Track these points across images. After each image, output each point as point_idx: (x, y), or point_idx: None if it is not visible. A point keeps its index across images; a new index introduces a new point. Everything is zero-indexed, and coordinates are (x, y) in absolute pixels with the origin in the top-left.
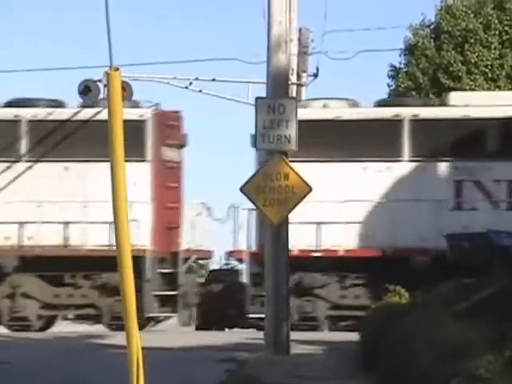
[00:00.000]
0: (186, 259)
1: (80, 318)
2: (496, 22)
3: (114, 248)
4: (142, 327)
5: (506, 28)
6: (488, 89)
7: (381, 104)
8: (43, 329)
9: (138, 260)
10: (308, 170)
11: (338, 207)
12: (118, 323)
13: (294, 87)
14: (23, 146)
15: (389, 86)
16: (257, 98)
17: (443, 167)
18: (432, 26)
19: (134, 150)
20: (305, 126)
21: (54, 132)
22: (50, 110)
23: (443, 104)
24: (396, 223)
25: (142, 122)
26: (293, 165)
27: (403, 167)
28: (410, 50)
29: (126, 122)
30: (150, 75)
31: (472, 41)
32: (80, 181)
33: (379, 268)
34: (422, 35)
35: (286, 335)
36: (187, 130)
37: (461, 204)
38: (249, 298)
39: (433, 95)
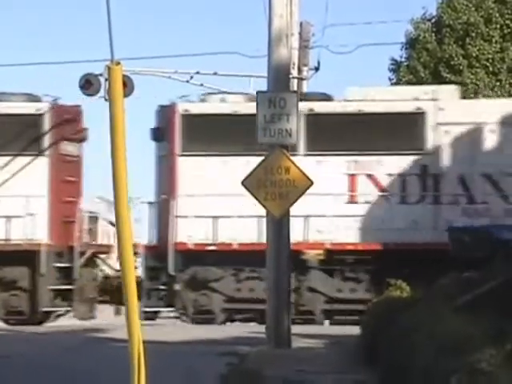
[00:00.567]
0: (83, 253)
1: None
2: (497, 15)
3: (11, 243)
4: (39, 322)
5: (507, 22)
6: (489, 82)
7: None
8: None
9: (33, 254)
10: (205, 164)
11: (235, 201)
12: (13, 318)
13: (295, 81)
14: None
15: (390, 79)
16: (258, 92)
17: (338, 161)
18: (433, 20)
19: (31, 144)
20: (205, 120)
21: None
22: None
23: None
24: (291, 217)
25: (39, 116)
26: (188, 159)
27: (299, 161)
28: (411, 43)
29: (22, 116)
30: (151, 69)
31: (473, 34)
32: None
33: None
34: (423, 29)
35: (288, 329)
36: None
37: (355, 197)
38: (144, 292)
39: None
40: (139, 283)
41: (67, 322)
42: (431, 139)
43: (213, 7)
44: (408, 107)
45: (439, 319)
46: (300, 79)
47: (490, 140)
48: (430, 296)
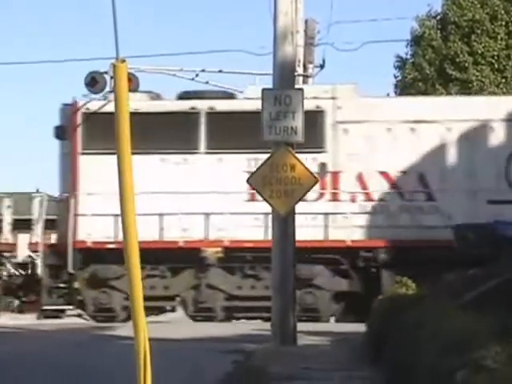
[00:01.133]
0: None
1: None
2: (503, 12)
3: None
4: None
5: None
6: (495, 79)
7: (182, 97)
8: None
9: None
10: (106, 162)
11: (137, 199)
12: None
13: (301, 78)
14: None
15: (395, 76)
16: (263, 90)
17: (238, 159)
18: (438, 17)
19: None
20: (105, 118)
21: None
22: None
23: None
24: (191, 215)
25: None
26: (89, 157)
27: (200, 159)
28: (416, 40)
29: None
30: (157, 67)
31: (478, 31)
32: None
33: (171, 259)
34: (428, 26)
35: (293, 326)
36: None
37: (255, 195)
38: (45, 290)
39: (439, 86)
40: (38, 281)
41: (70, 319)
42: (330, 137)
43: (218, 5)
44: (307, 105)
45: (444, 316)
46: (305, 76)
47: (386, 138)
48: (436, 293)
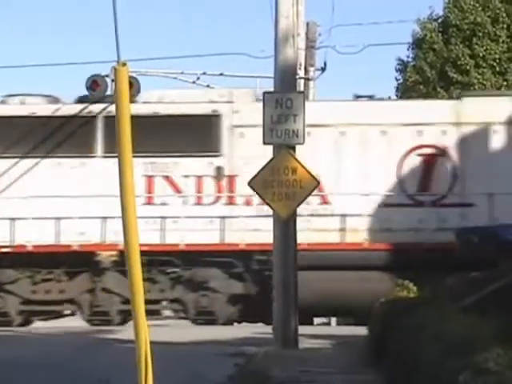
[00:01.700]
0: None
1: None
2: (504, 15)
3: None
4: None
5: None
6: (496, 82)
7: (80, 101)
8: None
9: None
10: (5, 166)
11: (32, 203)
12: None
13: (302, 81)
14: None
15: (397, 79)
16: (264, 93)
17: (135, 163)
18: (440, 20)
19: None
20: (2, 122)
21: None
22: None
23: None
24: (88, 219)
25: None
26: None
27: (97, 163)
28: (417, 43)
29: None
30: (158, 70)
31: (480, 34)
32: None
33: (67, 263)
34: (429, 29)
35: (295, 329)
36: None
37: (152, 199)
38: None
39: (441, 89)
40: None
41: (73, 323)
42: (226, 141)
43: (219, 8)
44: (204, 109)
45: (446, 319)
46: (307, 79)
47: None
48: (437, 296)
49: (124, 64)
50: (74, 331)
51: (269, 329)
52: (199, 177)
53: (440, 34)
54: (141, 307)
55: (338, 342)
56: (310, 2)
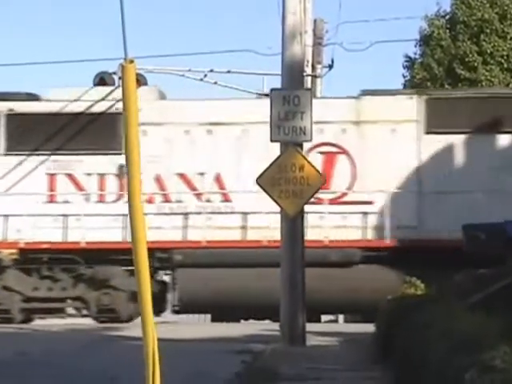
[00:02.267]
0: None
1: None
2: None
3: None
4: None
5: None
6: (504, 79)
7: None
8: None
9: None
10: None
11: None
12: None
13: (309, 78)
14: None
15: (404, 76)
16: (272, 90)
17: (38, 160)
18: (447, 17)
19: None
20: None
21: None
22: None
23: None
24: None
25: None
26: None
27: (0, 160)
28: (425, 40)
29: None
30: (165, 67)
31: (488, 31)
32: None
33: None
34: (437, 25)
35: (302, 326)
36: None
37: (54, 197)
38: None
39: (448, 86)
40: None
41: (78, 320)
42: None
43: (226, 5)
44: (107, 107)
45: (453, 316)
46: (314, 76)
47: (185, 140)
48: (445, 293)
49: (131, 61)
50: (79, 328)
51: (276, 326)
52: (102, 175)
53: (447, 31)
54: (148, 304)
55: (345, 339)
56: None
